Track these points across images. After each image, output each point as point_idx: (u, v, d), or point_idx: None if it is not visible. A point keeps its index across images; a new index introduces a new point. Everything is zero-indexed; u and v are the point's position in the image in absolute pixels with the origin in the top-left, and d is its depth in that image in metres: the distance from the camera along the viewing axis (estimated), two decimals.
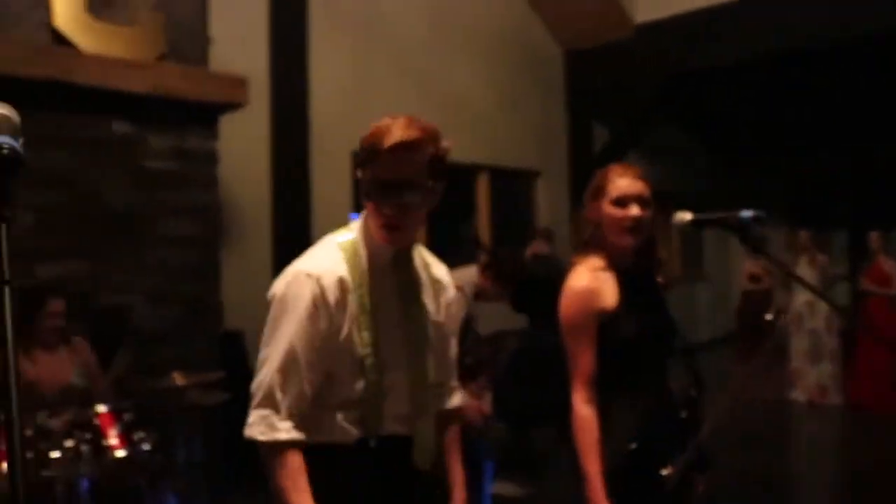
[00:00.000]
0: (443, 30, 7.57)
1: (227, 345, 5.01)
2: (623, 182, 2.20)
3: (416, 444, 1.88)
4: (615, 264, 2.21)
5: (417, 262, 1.95)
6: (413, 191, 1.75)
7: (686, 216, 2.18)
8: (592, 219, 2.24)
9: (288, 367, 1.72)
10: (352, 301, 1.79)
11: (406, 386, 1.86)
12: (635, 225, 2.18)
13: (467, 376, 3.79)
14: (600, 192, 2.22)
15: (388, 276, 1.86)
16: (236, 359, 4.97)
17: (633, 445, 2.15)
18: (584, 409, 2.15)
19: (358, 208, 1.88)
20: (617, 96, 8.96)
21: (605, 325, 2.16)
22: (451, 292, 2.03)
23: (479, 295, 4.33)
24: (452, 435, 2.07)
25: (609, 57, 8.60)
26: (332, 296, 1.76)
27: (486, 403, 4.34)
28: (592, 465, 2.10)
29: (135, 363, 4.23)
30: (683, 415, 2.29)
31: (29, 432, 3.03)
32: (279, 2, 6.35)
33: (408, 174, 1.74)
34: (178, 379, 3.61)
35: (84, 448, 3.14)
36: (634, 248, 2.22)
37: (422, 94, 7.16)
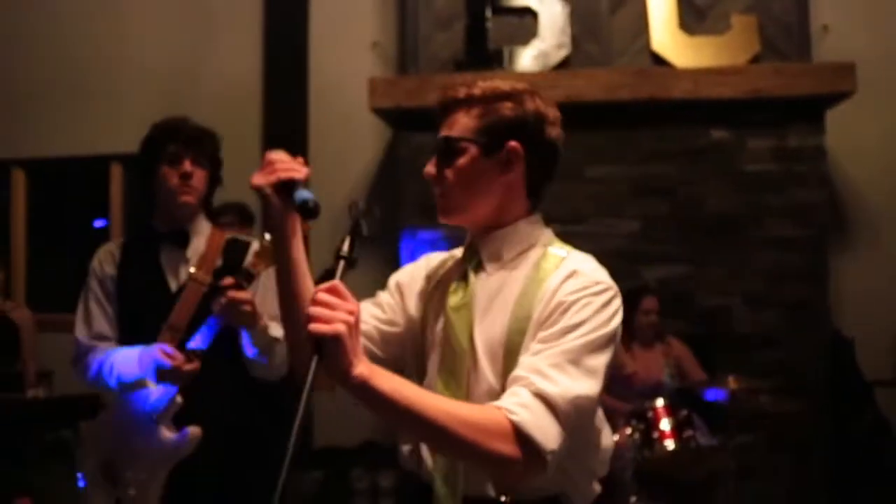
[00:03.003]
0: None
1: (835, 351, 4.69)
2: None
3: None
4: None
5: (514, 261, 1.55)
6: (448, 150, 1.54)
7: None
8: None
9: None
10: (433, 276, 1.67)
11: None
12: None
13: None
14: None
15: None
16: (843, 366, 4.61)
17: None
18: None
19: None
20: None
21: None
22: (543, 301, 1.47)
23: None
24: None
25: None
26: (432, 263, 1.70)
27: None
28: None
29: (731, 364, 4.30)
30: None
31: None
32: None
33: (446, 132, 1.56)
34: (732, 382, 3.57)
35: (636, 436, 3.36)
36: None
37: None
